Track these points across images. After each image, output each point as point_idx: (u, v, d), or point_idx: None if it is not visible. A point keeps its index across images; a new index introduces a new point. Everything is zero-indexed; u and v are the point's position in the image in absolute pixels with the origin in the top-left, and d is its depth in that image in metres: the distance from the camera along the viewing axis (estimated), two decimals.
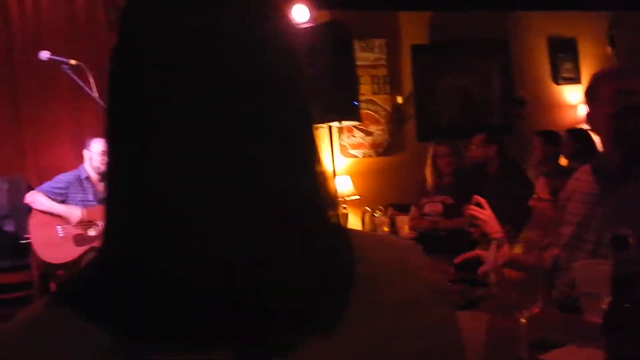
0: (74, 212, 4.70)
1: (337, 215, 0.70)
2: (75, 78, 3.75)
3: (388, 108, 7.06)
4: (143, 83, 0.62)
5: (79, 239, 4.72)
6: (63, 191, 4.81)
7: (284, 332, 0.60)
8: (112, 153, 0.66)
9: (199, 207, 0.60)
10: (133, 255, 0.62)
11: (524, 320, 1.52)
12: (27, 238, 4.76)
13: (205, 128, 0.60)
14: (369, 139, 6.94)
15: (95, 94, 3.78)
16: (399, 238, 0.80)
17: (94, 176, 4.89)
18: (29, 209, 4.77)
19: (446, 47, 7.27)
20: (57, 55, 3.84)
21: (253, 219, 0.61)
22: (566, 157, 5.53)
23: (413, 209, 5.17)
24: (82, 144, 4.97)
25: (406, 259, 0.72)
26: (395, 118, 7.09)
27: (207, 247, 0.60)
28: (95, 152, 4.86)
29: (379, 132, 7.00)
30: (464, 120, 7.26)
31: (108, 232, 0.66)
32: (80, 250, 4.70)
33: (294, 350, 0.59)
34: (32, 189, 4.94)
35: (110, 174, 0.66)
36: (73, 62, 3.74)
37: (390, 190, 6.50)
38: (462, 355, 0.70)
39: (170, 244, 0.60)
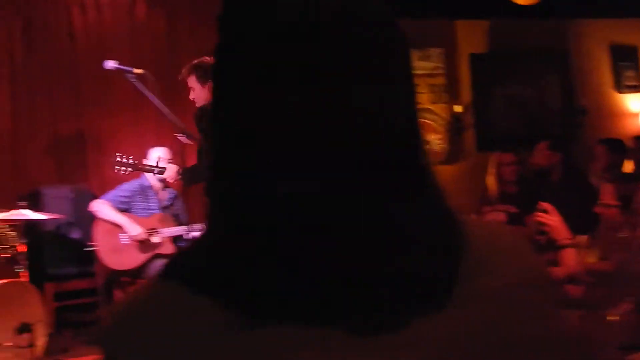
0: (134, 228, 4.75)
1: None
2: (140, 87, 3.82)
3: (446, 117, 7.01)
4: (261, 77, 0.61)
5: (143, 246, 4.78)
6: (127, 199, 4.89)
7: (395, 308, 0.59)
8: (221, 130, 0.65)
9: (313, 185, 0.60)
10: (245, 231, 0.61)
11: (613, 320, 1.47)
12: (92, 245, 4.86)
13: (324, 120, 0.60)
14: (427, 148, 6.86)
15: (158, 102, 3.84)
16: (507, 225, 0.78)
17: (157, 184, 4.96)
18: (93, 217, 4.86)
19: (505, 56, 7.19)
20: (121, 65, 3.92)
21: (369, 193, 0.61)
22: (636, 164, 5.42)
23: None
24: (144, 153, 5.06)
25: (518, 244, 0.71)
26: (454, 127, 7.03)
27: (321, 223, 0.60)
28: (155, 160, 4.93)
29: (437, 142, 6.94)
30: (523, 129, 7.15)
31: (216, 208, 0.65)
32: (144, 257, 4.77)
33: (405, 328, 0.59)
34: (96, 197, 5.04)
35: (216, 153, 0.66)
36: (138, 71, 3.82)
37: (449, 199, 6.41)
38: (569, 344, 0.68)
39: (282, 220, 0.60)
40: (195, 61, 4.02)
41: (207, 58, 4.01)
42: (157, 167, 4.38)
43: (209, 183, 0.67)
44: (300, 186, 0.59)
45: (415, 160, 0.68)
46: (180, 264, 0.66)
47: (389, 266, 0.60)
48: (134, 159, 4.50)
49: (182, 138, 3.80)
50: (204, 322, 0.59)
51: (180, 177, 4.29)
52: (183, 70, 4.02)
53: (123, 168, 4.48)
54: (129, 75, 3.80)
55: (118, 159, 4.40)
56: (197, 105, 3.98)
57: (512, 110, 7.22)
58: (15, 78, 5.67)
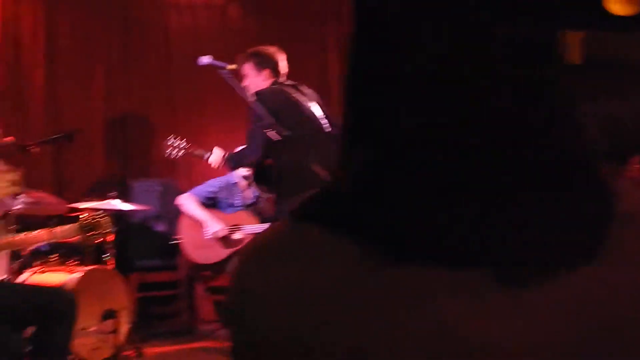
0: (214, 224, 4.82)
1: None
2: (232, 82, 3.88)
3: None
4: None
5: (225, 242, 4.84)
6: (213, 195, 4.98)
7: (546, 263, 0.57)
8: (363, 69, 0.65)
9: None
10: (390, 171, 0.61)
11: None
12: (177, 238, 4.95)
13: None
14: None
15: (249, 97, 3.88)
16: None
17: (242, 182, 5.02)
18: (179, 211, 4.96)
19: (599, 68, 6.95)
20: (215, 61, 3.99)
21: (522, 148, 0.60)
22: None
23: None
24: (233, 149, 5.14)
25: None
26: None
27: (476, 171, 0.59)
28: None
29: None
30: (615, 145, 6.88)
31: (356, 150, 0.65)
32: (226, 252, 4.82)
33: (554, 285, 0.56)
34: (183, 192, 5.15)
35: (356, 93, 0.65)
36: (231, 66, 3.88)
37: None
38: None
39: (431, 162, 0.59)
40: (251, 49, 4.15)
41: (264, 48, 4.17)
42: (206, 152, 4.48)
43: (347, 125, 0.65)
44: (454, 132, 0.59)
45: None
46: (313, 206, 0.65)
47: (542, 218, 0.57)
48: (187, 142, 4.62)
49: (272, 134, 3.83)
50: (341, 260, 0.58)
51: (226, 161, 4.34)
52: (238, 59, 4.12)
53: (174, 151, 4.59)
54: (222, 71, 3.87)
55: (170, 142, 4.48)
56: (251, 91, 4.07)
57: (604, 125, 6.97)
58: (111, 75, 5.88)
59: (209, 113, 5.76)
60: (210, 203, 4.95)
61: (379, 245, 0.57)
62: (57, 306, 3.10)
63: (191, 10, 5.98)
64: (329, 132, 4.09)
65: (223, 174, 5.11)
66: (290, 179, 3.98)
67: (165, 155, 4.67)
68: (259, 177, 4.42)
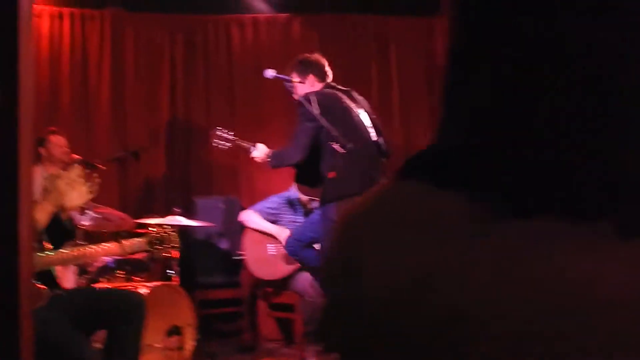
0: (284, 233, 4.80)
1: None
2: (299, 97, 3.86)
3: None
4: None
5: (289, 258, 4.80)
6: (275, 211, 4.96)
7: None
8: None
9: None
10: (500, 126, 0.59)
11: None
12: (240, 255, 4.93)
13: None
14: None
15: (316, 111, 3.84)
16: None
17: (304, 197, 4.99)
18: (242, 227, 4.94)
19: None
20: (280, 74, 3.99)
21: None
22: None
23: None
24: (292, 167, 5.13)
25: None
26: None
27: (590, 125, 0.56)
28: None
29: None
30: None
31: (455, 114, 0.64)
32: (290, 268, 4.78)
33: None
34: (244, 209, 5.14)
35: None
36: (296, 80, 3.85)
37: None
38: None
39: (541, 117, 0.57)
40: (296, 59, 4.21)
41: (306, 55, 4.24)
42: (251, 144, 4.46)
43: (451, 80, 0.63)
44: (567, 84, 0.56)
45: None
46: (420, 163, 0.64)
47: None
48: (234, 135, 4.61)
49: (336, 146, 3.78)
50: (452, 215, 0.57)
51: (269, 159, 4.32)
52: (286, 70, 4.18)
53: (222, 142, 4.58)
54: (287, 84, 3.85)
55: (218, 132, 4.48)
56: (296, 97, 4.15)
57: None
58: (175, 92, 5.95)
59: (271, 129, 5.76)
60: (273, 219, 4.93)
61: (493, 200, 0.56)
62: (128, 307, 3.11)
63: (254, 27, 6.02)
64: (374, 141, 4.03)
65: (284, 190, 5.10)
66: (333, 184, 3.97)
67: (213, 145, 4.69)
68: (301, 178, 4.39)
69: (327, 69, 4.25)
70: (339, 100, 4.07)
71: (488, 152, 0.58)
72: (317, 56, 4.31)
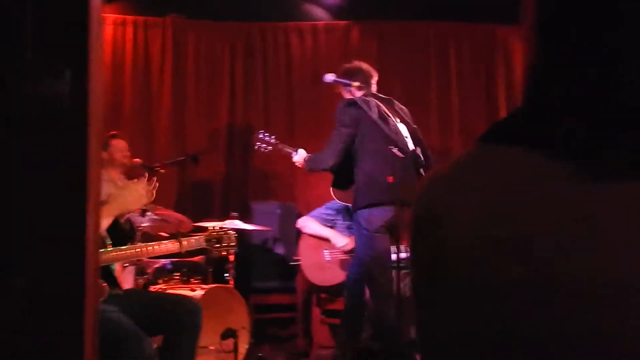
0: (341, 239, 4.78)
1: None
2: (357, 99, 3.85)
3: None
4: None
5: (344, 264, 4.77)
6: (331, 218, 4.95)
7: None
8: None
9: None
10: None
11: None
12: (296, 260, 4.93)
13: None
14: None
15: (374, 115, 3.84)
16: None
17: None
18: (298, 233, 4.95)
19: None
20: (339, 78, 3.99)
21: None
22: None
23: None
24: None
25: None
26: None
27: None
28: None
29: None
30: None
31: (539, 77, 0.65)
32: (345, 275, 4.75)
33: None
34: (301, 215, 5.14)
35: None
36: (356, 84, 3.84)
37: None
38: None
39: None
40: (343, 65, 4.32)
41: (356, 62, 4.32)
42: (293, 149, 4.52)
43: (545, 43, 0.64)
44: None
45: None
46: (495, 130, 0.66)
47: None
48: (276, 139, 4.60)
49: (396, 150, 3.76)
50: (549, 175, 0.58)
51: (306, 163, 4.35)
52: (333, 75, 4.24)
53: (264, 145, 4.59)
54: (347, 88, 3.84)
55: (260, 135, 4.49)
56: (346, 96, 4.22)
57: None
58: (234, 98, 6.01)
59: (329, 135, 5.74)
60: (329, 226, 4.92)
61: (581, 161, 0.57)
62: (184, 313, 3.13)
63: (312, 34, 6.04)
64: (411, 151, 3.99)
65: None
66: (366, 190, 4.01)
67: (255, 148, 4.73)
68: (338, 183, 4.39)
69: (374, 80, 4.29)
70: (378, 106, 4.07)
71: (590, 113, 0.59)
72: (364, 64, 4.34)
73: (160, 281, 4.72)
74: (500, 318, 0.56)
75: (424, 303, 0.64)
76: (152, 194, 2.83)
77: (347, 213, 4.98)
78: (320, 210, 5.00)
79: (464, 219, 0.60)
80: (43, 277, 1.08)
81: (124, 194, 2.81)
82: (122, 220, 3.14)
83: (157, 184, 2.89)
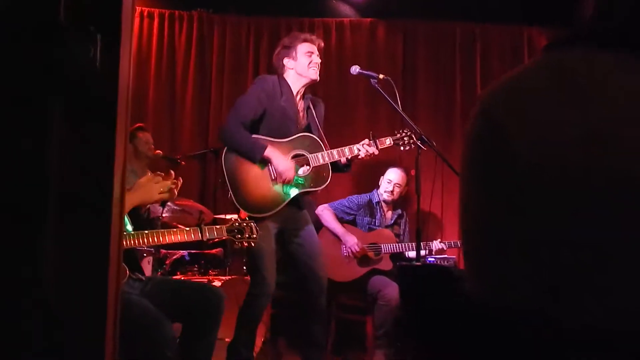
0: (350, 239, 4.75)
1: None
2: (381, 92, 3.85)
3: None
4: None
5: (362, 261, 4.75)
6: (352, 211, 4.94)
7: None
8: None
9: None
10: None
11: None
12: None
13: None
14: None
15: (398, 107, 3.84)
16: None
17: (385, 202, 4.98)
18: (318, 226, 4.93)
19: None
20: (365, 70, 3.99)
21: None
22: None
23: None
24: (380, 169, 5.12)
25: None
26: None
27: None
28: (388, 180, 4.98)
29: None
30: None
31: None
32: (362, 271, 4.74)
33: None
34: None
35: None
36: (382, 76, 3.84)
37: None
38: None
39: None
40: None
41: None
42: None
43: None
44: None
45: None
46: (569, 36, 0.67)
47: None
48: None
49: (419, 143, 3.75)
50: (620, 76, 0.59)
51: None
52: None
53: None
54: (373, 80, 3.84)
55: (398, 135, 4.31)
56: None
57: None
58: None
59: (353, 131, 5.72)
60: (349, 219, 4.91)
61: None
62: (206, 300, 3.12)
63: (338, 31, 6.03)
64: None
65: (366, 192, 5.08)
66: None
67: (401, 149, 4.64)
68: None
69: None
70: None
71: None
72: None
73: (179, 272, 4.73)
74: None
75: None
76: (174, 193, 2.83)
77: (370, 209, 4.96)
78: (343, 202, 5.01)
79: (522, 138, 0.62)
80: (67, 259, 1.08)
81: (147, 187, 2.81)
82: (142, 211, 3.15)
83: (181, 181, 2.88)
